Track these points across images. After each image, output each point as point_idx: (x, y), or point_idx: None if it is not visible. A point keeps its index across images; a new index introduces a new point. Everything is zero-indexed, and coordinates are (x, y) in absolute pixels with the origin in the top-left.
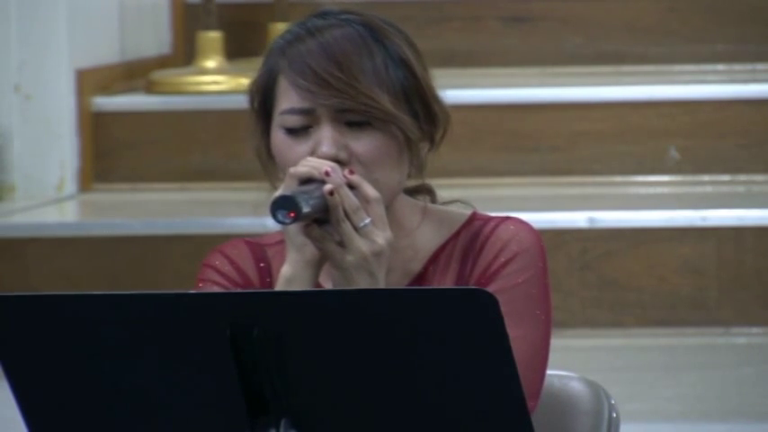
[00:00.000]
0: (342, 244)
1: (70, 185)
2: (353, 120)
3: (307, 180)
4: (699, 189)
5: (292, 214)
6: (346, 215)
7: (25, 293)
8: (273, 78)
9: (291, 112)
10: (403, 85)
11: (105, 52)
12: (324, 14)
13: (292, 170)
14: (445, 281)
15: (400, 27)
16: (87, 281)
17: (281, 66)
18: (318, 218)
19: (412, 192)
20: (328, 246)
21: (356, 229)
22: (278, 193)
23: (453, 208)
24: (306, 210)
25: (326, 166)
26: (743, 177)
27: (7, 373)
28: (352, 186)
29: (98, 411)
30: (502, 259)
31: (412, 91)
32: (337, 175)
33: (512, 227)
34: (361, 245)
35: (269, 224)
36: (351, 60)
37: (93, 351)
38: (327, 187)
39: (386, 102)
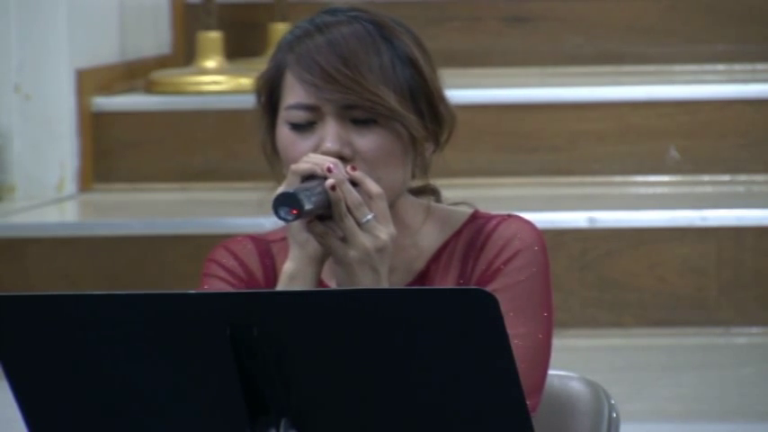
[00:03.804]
0: (344, 239)
1: (70, 185)
2: (358, 117)
3: (309, 176)
4: (699, 189)
5: (295, 211)
6: (349, 211)
7: (25, 293)
8: (280, 73)
9: (297, 107)
10: (409, 84)
11: (105, 52)
12: (333, 11)
13: (294, 167)
14: (447, 279)
15: (408, 26)
16: (87, 281)
17: (288, 61)
18: (321, 214)
19: (417, 192)
20: (331, 242)
21: (359, 224)
22: (280, 189)
23: (456, 208)
24: (308, 206)
25: (328, 162)
26: (743, 177)
27: (7, 373)
28: (354, 183)
29: (98, 411)
30: (504, 257)
31: (418, 90)
32: (339, 171)
33: (513, 224)
34: (363, 240)
35: (267, 225)
36: (358, 57)
37: (93, 351)
38: (329, 182)
39: (391, 100)
